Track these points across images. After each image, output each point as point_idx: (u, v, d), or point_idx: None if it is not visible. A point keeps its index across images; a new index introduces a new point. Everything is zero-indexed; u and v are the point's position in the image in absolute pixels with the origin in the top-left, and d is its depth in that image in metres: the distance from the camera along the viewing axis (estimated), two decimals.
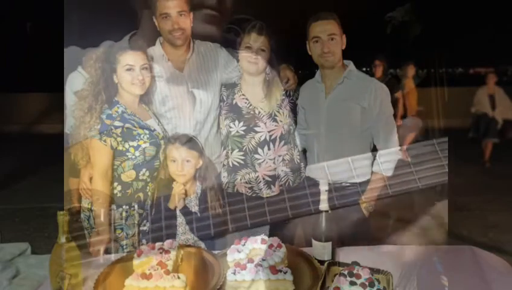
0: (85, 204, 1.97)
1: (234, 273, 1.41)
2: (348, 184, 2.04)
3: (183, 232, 1.89)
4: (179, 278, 1.39)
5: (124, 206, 1.92)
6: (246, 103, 2.09)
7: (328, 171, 2.00)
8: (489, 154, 6.33)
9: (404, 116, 5.38)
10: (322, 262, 1.55)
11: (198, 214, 1.90)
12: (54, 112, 7.80)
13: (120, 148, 1.88)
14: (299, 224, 2.07)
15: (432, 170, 1.96)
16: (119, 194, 1.92)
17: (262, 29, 2.02)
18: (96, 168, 1.87)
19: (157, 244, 1.61)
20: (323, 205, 1.62)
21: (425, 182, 1.96)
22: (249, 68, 2.05)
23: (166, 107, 2.08)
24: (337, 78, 2.05)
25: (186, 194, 1.92)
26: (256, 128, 2.05)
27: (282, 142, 2.08)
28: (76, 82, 2.00)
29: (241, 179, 2.07)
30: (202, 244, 1.86)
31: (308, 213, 1.90)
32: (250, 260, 1.47)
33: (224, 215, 1.94)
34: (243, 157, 2.06)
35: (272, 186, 2.07)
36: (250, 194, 2.08)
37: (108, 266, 1.57)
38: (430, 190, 2.01)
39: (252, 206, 2.01)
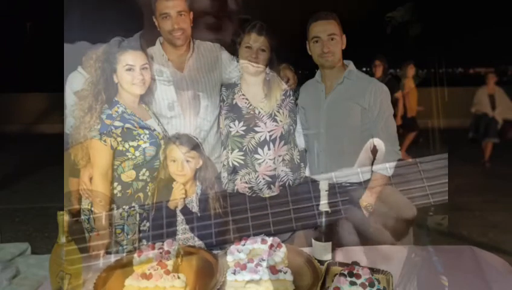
0: (85, 204, 1.97)
1: (234, 273, 1.41)
2: (348, 184, 2.04)
3: (183, 232, 1.89)
4: (179, 278, 1.40)
5: (124, 207, 1.91)
6: (246, 103, 2.09)
7: (334, 179, 1.99)
8: (489, 154, 6.33)
9: (404, 116, 5.39)
10: (322, 262, 1.55)
11: (198, 214, 1.90)
12: (54, 112, 7.81)
13: (120, 148, 1.87)
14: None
15: (444, 185, 1.94)
16: (119, 194, 1.92)
17: (262, 29, 2.02)
18: (96, 168, 1.87)
19: (157, 245, 1.61)
20: (323, 205, 1.62)
21: (438, 198, 1.94)
22: (249, 68, 2.05)
23: (166, 107, 2.08)
24: (337, 78, 2.05)
25: (186, 194, 1.92)
26: (256, 128, 2.05)
27: (282, 142, 2.08)
28: (76, 82, 2.00)
29: (241, 179, 2.07)
30: (202, 244, 1.86)
31: (313, 225, 1.88)
32: (250, 260, 1.47)
33: (226, 221, 1.94)
34: (243, 158, 2.06)
35: (272, 186, 2.07)
36: (250, 194, 2.08)
37: (108, 266, 1.57)
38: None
39: (255, 216, 2.00)
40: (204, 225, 1.89)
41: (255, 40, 2.01)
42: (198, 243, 1.87)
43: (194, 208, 1.91)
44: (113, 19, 2.12)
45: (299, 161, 2.14)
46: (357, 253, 1.70)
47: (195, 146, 1.95)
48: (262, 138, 2.05)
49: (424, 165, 1.99)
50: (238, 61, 2.13)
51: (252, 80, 2.10)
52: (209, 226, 1.89)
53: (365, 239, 1.92)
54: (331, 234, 1.61)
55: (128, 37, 2.09)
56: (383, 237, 1.89)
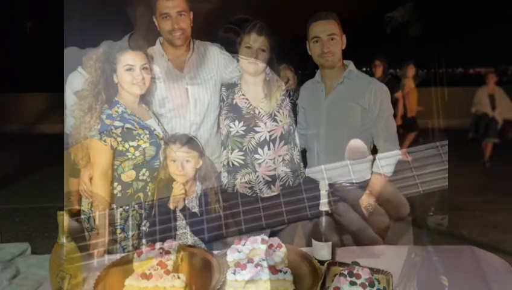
0: (85, 204, 1.97)
1: (234, 273, 1.41)
2: (347, 184, 2.04)
3: (183, 232, 1.89)
4: (179, 278, 1.40)
5: (124, 207, 1.91)
6: (246, 103, 2.09)
7: (325, 173, 2.00)
8: (489, 154, 6.33)
9: (404, 116, 5.38)
10: (322, 262, 1.55)
11: (198, 214, 1.90)
12: (54, 112, 7.82)
13: (120, 148, 1.87)
14: (299, 224, 2.07)
15: (434, 174, 1.96)
16: (119, 194, 1.92)
17: (262, 29, 2.02)
18: (96, 168, 1.87)
19: (157, 245, 1.61)
20: (324, 205, 1.62)
21: (427, 186, 1.95)
22: (249, 68, 2.05)
23: (166, 107, 2.08)
24: (337, 78, 2.05)
25: (186, 194, 1.92)
26: (256, 128, 2.05)
27: (282, 142, 2.08)
28: (76, 82, 2.00)
29: (241, 179, 2.07)
30: (202, 244, 1.86)
31: (304, 217, 1.90)
32: (250, 260, 1.47)
33: (219, 217, 1.95)
34: (243, 158, 2.06)
35: (272, 186, 2.07)
36: (250, 194, 2.08)
37: (108, 266, 1.57)
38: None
39: (248, 210, 2.01)
40: (197, 220, 1.89)
41: (255, 40, 2.01)
42: (198, 243, 1.87)
43: (195, 208, 1.91)
44: (113, 19, 2.12)
45: (299, 161, 2.14)
46: (357, 253, 1.70)
47: (195, 146, 1.95)
48: (262, 138, 2.05)
49: (413, 154, 2.01)
50: (238, 61, 2.13)
51: (252, 80, 2.10)
52: (201, 221, 1.89)
53: (365, 239, 1.93)
54: (331, 234, 1.61)
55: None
56: (366, 229, 1.92)
